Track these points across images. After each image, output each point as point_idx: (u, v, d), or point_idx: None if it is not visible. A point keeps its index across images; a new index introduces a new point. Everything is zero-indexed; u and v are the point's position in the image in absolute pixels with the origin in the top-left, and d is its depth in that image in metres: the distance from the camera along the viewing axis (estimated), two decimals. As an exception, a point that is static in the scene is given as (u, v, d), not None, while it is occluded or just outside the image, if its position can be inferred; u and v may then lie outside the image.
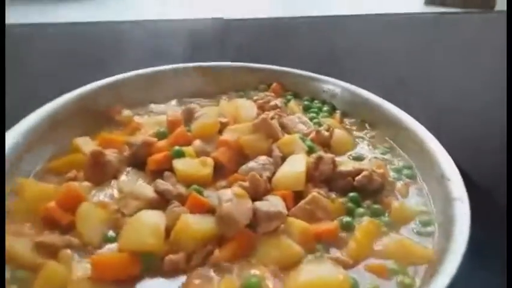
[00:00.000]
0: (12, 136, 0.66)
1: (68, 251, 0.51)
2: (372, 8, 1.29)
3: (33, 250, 0.51)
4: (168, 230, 0.54)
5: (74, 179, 0.63)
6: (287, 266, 0.52)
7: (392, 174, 0.71)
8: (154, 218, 0.54)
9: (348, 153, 0.77)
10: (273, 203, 0.58)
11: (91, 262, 0.49)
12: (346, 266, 0.52)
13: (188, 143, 0.70)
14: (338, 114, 0.89)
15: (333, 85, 0.93)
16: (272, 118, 0.78)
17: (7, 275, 0.48)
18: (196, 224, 0.54)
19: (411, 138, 0.76)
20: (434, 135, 0.73)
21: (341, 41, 1.18)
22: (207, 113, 0.79)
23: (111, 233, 0.55)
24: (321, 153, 0.69)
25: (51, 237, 0.53)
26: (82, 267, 0.50)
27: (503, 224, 0.87)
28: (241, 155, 0.69)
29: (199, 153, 0.68)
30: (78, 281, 0.48)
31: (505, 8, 1.23)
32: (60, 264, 0.50)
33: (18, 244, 0.51)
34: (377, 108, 0.84)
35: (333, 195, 0.64)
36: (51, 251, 0.51)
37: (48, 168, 0.67)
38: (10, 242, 0.51)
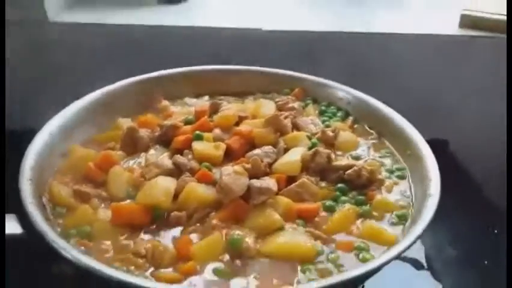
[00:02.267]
0: (71, 110, 0.81)
1: (97, 200, 0.64)
2: (410, 28, 1.33)
3: (72, 195, 0.64)
4: (177, 194, 0.65)
5: (112, 148, 0.77)
6: (268, 232, 0.61)
7: (383, 173, 0.77)
8: (168, 182, 0.65)
9: (349, 153, 0.84)
10: (266, 182, 0.67)
11: (111, 208, 0.61)
12: (317, 238, 0.60)
13: (210, 130, 0.81)
14: (350, 120, 0.96)
15: (349, 94, 1.00)
16: (286, 117, 0.87)
17: (49, 209, 0.62)
18: (200, 190, 0.64)
19: (410, 145, 0.82)
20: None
21: (373, 57, 1.24)
22: (230, 108, 0.90)
23: (133, 191, 0.67)
24: (318, 147, 0.77)
25: (86, 188, 0.66)
26: (105, 213, 0.62)
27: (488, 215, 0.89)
28: (251, 144, 0.79)
29: (216, 139, 0.79)
30: (100, 222, 0.60)
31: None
32: (90, 208, 0.63)
33: (62, 189, 0.65)
34: (384, 117, 0.91)
35: (323, 184, 0.72)
36: (85, 198, 0.64)
37: (93, 139, 0.81)
38: (56, 187, 0.65)
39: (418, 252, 0.79)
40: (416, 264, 0.80)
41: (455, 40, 1.32)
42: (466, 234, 0.90)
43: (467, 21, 1.31)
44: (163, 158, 0.72)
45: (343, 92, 1.00)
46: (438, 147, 0.78)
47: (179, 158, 0.71)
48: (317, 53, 1.21)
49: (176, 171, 0.69)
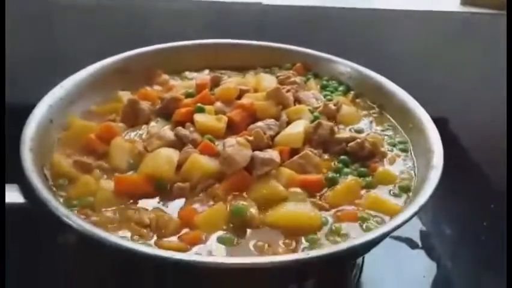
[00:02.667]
0: (70, 82, 0.79)
1: (99, 171, 0.64)
2: (410, 4, 1.31)
3: (73, 166, 0.64)
4: (180, 165, 0.64)
5: (113, 120, 0.75)
6: (272, 203, 0.60)
7: (386, 146, 0.77)
8: (170, 153, 0.64)
9: (351, 127, 0.83)
10: (269, 153, 0.66)
11: (114, 179, 0.61)
12: (321, 209, 0.60)
13: (211, 103, 0.80)
14: (351, 94, 0.95)
15: (350, 68, 0.98)
16: (288, 91, 0.86)
17: (52, 182, 0.61)
18: (203, 161, 0.64)
19: (412, 119, 0.81)
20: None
21: (375, 33, 1.22)
22: (231, 81, 0.89)
23: (135, 163, 0.66)
24: (321, 120, 0.77)
25: (88, 159, 0.65)
26: (107, 184, 0.61)
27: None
28: (253, 117, 0.78)
29: (217, 112, 0.78)
30: (103, 191, 0.60)
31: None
32: (92, 178, 0.62)
33: (63, 161, 0.64)
34: (386, 91, 0.90)
35: (326, 156, 0.72)
36: (86, 169, 0.64)
37: (93, 111, 0.79)
38: (58, 158, 0.64)
39: (413, 231, 0.80)
40: (411, 243, 0.80)
41: (457, 17, 1.30)
42: (461, 212, 0.91)
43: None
44: (165, 130, 0.71)
45: (344, 66, 0.99)
46: (437, 124, 0.77)
47: (181, 130, 0.70)
48: (318, 28, 1.19)
49: (179, 143, 0.69)
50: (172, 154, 0.64)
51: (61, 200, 0.59)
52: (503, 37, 1.20)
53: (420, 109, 0.82)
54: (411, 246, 0.80)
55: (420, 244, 0.81)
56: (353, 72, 0.98)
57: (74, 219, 0.51)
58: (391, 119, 0.87)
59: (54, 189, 0.60)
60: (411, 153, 0.76)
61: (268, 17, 1.20)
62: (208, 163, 0.64)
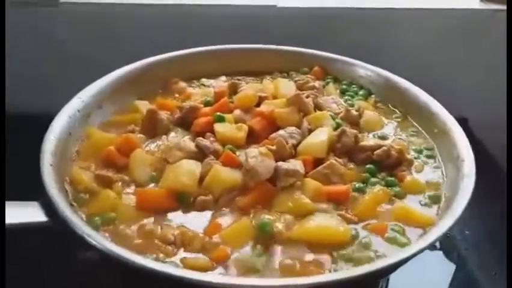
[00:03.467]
0: (88, 93, 0.78)
1: (120, 184, 0.62)
2: (428, 2, 1.27)
3: (94, 180, 0.62)
4: (202, 178, 0.62)
5: (132, 131, 0.74)
6: (297, 216, 0.58)
7: (412, 153, 0.74)
8: (192, 165, 0.62)
9: (375, 133, 0.80)
10: (293, 164, 0.64)
11: (136, 194, 0.59)
12: (350, 222, 0.58)
13: (230, 111, 0.78)
14: (372, 98, 0.92)
15: (370, 71, 0.96)
16: (308, 97, 0.83)
17: (71, 196, 0.59)
18: (226, 174, 0.62)
19: (437, 123, 0.78)
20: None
21: (393, 33, 1.19)
22: (249, 88, 0.87)
23: (156, 175, 0.64)
24: (345, 127, 0.74)
25: (108, 173, 0.63)
26: (128, 198, 0.60)
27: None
28: (274, 125, 0.75)
29: (237, 121, 0.76)
30: (125, 206, 0.58)
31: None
32: (113, 193, 0.60)
33: (83, 174, 0.63)
34: (409, 95, 0.87)
35: (351, 165, 0.69)
36: (107, 183, 0.62)
37: (112, 121, 0.78)
38: (78, 172, 0.63)
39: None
40: (434, 248, 0.77)
41: (477, 14, 1.25)
42: (481, 214, 0.88)
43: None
44: (186, 141, 0.69)
45: (365, 69, 0.96)
46: (459, 124, 0.74)
47: (202, 141, 0.68)
48: (335, 30, 1.16)
49: (200, 155, 0.67)
50: (194, 166, 0.62)
51: (83, 216, 0.57)
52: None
53: (445, 112, 0.79)
54: (431, 248, 0.77)
55: (438, 245, 0.78)
56: (374, 75, 0.95)
57: (98, 239, 0.49)
58: (415, 123, 0.84)
59: (75, 204, 0.59)
60: (438, 160, 0.73)
61: (284, 20, 1.17)
62: (231, 175, 0.62)
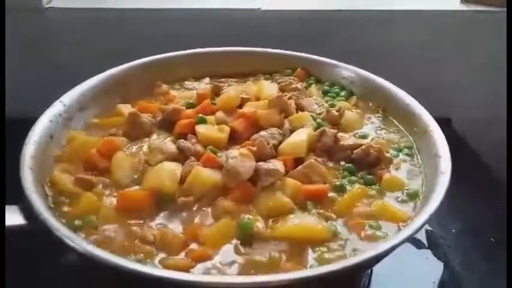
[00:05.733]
0: (70, 96, 0.78)
1: (101, 186, 0.62)
2: (409, 4, 1.29)
3: (74, 183, 0.62)
4: (183, 179, 0.62)
5: (114, 134, 0.74)
6: (278, 215, 0.58)
7: (391, 152, 0.75)
8: (173, 167, 0.62)
9: (355, 132, 0.81)
10: (273, 164, 0.65)
11: (117, 195, 0.59)
12: (328, 219, 0.58)
13: (212, 113, 0.78)
14: (354, 99, 0.93)
15: (352, 72, 0.96)
16: (290, 98, 0.84)
17: (52, 199, 0.59)
18: (206, 174, 0.62)
19: (417, 123, 0.79)
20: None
21: (374, 35, 1.20)
22: (231, 90, 0.87)
23: (138, 177, 0.64)
24: (324, 127, 0.75)
25: (89, 176, 0.63)
26: (110, 200, 0.60)
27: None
28: (256, 126, 0.76)
29: (219, 122, 0.76)
30: (105, 208, 0.58)
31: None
32: (94, 195, 0.60)
33: (64, 178, 0.62)
34: (389, 95, 0.88)
35: (331, 164, 0.70)
36: (88, 186, 0.62)
37: (94, 124, 0.78)
38: (58, 175, 0.62)
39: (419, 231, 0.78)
40: (417, 243, 0.78)
41: (457, 15, 1.27)
42: (468, 211, 0.89)
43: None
44: (167, 143, 0.69)
45: (346, 70, 0.97)
46: (440, 124, 0.75)
47: (183, 142, 0.68)
48: (317, 33, 1.17)
49: (181, 156, 0.67)
50: (175, 168, 0.62)
51: (63, 220, 0.57)
52: (504, 35, 1.19)
53: (424, 112, 0.80)
54: (418, 246, 0.78)
55: (427, 244, 0.79)
56: (355, 76, 0.96)
57: (78, 242, 0.49)
58: (396, 122, 0.85)
59: (55, 208, 0.58)
60: (417, 158, 0.74)
61: (268, 23, 1.18)
62: (212, 176, 0.62)
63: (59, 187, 0.61)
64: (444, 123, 0.78)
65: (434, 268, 0.75)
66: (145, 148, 0.70)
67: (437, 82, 1.22)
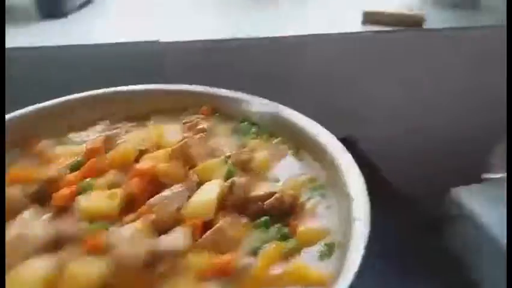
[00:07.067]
0: None
1: None
2: (315, 28, 1.26)
3: None
4: (57, 281, 0.47)
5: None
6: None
7: (305, 194, 0.67)
8: (37, 270, 0.46)
9: (267, 175, 0.72)
10: (175, 238, 0.53)
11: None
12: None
13: (102, 173, 0.65)
14: (265, 135, 0.85)
15: (262, 106, 0.88)
16: (196, 143, 0.73)
17: None
18: (86, 272, 0.47)
19: (325, 155, 0.72)
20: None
21: (280, 62, 1.15)
22: (128, 140, 0.74)
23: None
24: (234, 178, 0.65)
25: None
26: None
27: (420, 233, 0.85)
28: (156, 185, 0.63)
29: (111, 185, 0.63)
30: None
31: (432, 26, 1.24)
32: None
33: None
34: (298, 127, 0.80)
35: (244, 220, 0.60)
36: None
37: None
38: None
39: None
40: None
41: (359, 36, 1.27)
42: (380, 235, 0.84)
43: (369, 18, 1.28)
44: (35, 226, 0.53)
45: (256, 105, 0.88)
46: (348, 145, 0.69)
47: (57, 225, 0.53)
48: (220, 63, 1.08)
49: (57, 243, 0.52)
50: (40, 272, 0.47)
51: None
52: (402, 51, 1.20)
53: (334, 143, 0.73)
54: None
55: None
56: (264, 109, 0.87)
57: None
58: (307, 156, 0.77)
59: None
60: (331, 199, 0.66)
61: (168, 56, 1.07)
62: (94, 272, 0.48)
63: None
64: (351, 144, 0.72)
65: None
66: (7, 238, 0.53)
67: (344, 103, 1.19)
